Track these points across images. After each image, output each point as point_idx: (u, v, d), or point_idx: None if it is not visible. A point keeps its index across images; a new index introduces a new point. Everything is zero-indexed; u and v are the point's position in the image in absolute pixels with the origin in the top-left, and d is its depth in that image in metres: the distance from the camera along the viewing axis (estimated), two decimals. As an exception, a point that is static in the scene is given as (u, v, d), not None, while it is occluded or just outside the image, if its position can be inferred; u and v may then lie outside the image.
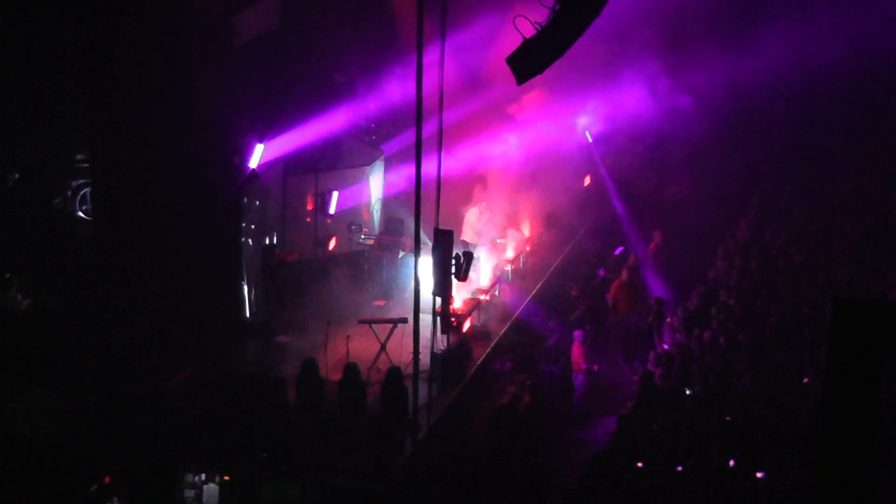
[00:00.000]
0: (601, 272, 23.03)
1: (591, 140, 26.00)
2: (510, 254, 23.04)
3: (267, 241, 20.96)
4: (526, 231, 24.29)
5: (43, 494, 14.84)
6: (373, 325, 18.81)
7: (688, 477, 14.58)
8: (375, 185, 24.04)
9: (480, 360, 19.14)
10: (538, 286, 22.58)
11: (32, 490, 14.84)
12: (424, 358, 17.36)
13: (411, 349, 16.03)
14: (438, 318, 17.89)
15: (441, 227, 16.17)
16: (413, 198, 14.65)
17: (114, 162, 18.11)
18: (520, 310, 21.35)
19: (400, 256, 22.13)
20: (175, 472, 15.37)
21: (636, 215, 25.37)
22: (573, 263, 24.06)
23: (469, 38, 22.25)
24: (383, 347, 18.47)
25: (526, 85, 13.51)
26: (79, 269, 18.41)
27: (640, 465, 15.00)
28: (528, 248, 23.92)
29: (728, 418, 15.81)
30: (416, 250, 15.45)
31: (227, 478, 15.27)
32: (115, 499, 15.11)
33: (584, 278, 22.92)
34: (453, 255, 16.86)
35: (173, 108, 17.68)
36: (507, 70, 12.97)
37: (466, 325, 19.83)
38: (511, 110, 24.39)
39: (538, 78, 13.22)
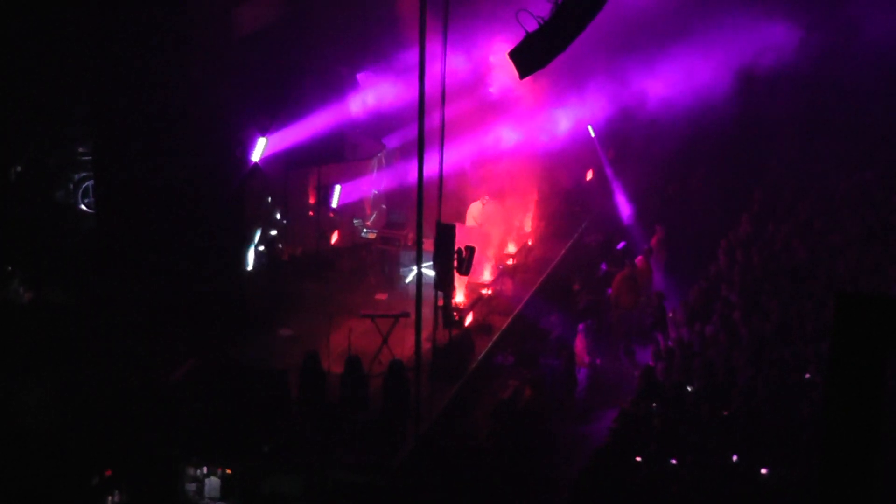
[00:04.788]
0: (603, 266, 23.04)
1: (593, 134, 25.97)
2: (511, 248, 23.06)
3: (269, 235, 20.97)
4: (528, 226, 24.30)
5: (45, 487, 14.85)
6: (375, 319, 18.81)
7: (689, 472, 14.59)
8: (378, 178, 24.04)
9: (482, 355, 19.14)
10: (540, 280, 22.58)
11: (34, 483, 14.85)
12: (426, 352, 17.38)
13: (413, 343, 16.04)
14: (440, 312, 17.92)
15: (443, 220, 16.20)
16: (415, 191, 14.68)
17: (116, 155, 18.10)
18: (522, 304, 21.35)
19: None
20: (176, 465, 15.39)
21: (638, 209, 25.37)
22: (575, 258, 24.05)
23: (472, 32, 22.24)
24: (385, 341, 18.46)
25: (527, 78, 13.52)
26: (81, 263, 18.40)
27: (638, 459, 15.01)
28: (529, 243, 23.92)
29: (726, 413, 15.82)
30: (419, 244, 15.46)
31: (228, 471, 15.29)
32: (117, 492, 15.13)
33: (586, 273, 22.93)
34: (455, 248, 16.88)
35: (175, 101, 17.67)
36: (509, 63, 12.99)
37: (468, 319, 19.83)
38: (511, 104, 24.36)
39: (539, 72, 13.24)
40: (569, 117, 24.88)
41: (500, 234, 22.74)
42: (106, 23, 17.42)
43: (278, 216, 21.55)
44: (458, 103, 21.39)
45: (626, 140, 26.86)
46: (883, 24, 25.38)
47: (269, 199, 20.50)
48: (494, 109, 23.81)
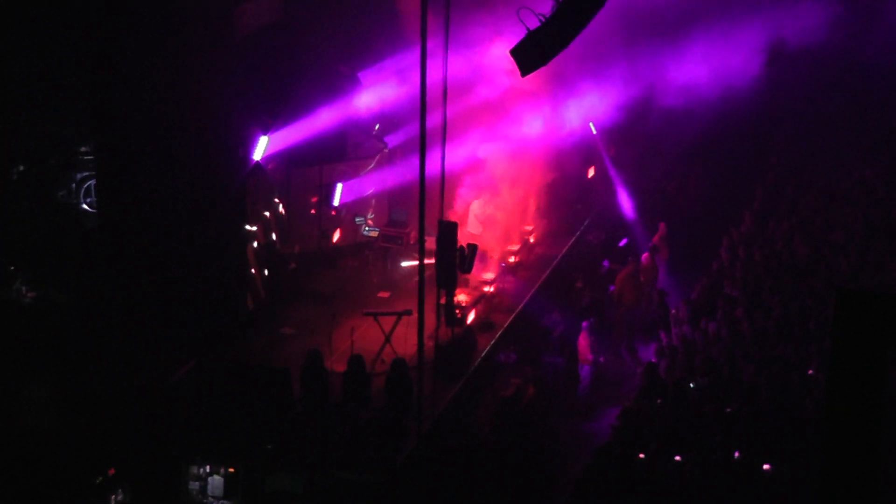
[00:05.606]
0: (606, 264, 23.02)
1: (595, 131, 25.94)
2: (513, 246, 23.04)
3: (271, 234, 20.96)
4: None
5: (48, 486, 14.87)
6: (377, 317, 18.81)
7: (691, 469, 14.59)
8: (380, 176, 24.02)
9: (485, 352, 19.13)
10: (543, 278, 22.56)
11: (37, 482, 14.86)
12: (429, 350, 17.38)
13: (416, 341, 16.03)
14: (443, 310, 17.90)
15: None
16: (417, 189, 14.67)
17: (118, 155, 18.10)
18: (524, 301, 21.34)
19: None
20: (179, 464, 15.41)
21: (640, 206, 25.35)
22: (578, 255, 24.03)
23: (473, 31, 22.20)
24: (388, 339, 18.46)
25: (529, 76, 13.51)
26: (83, 262, 18.41)
27: (641, 456, 15.02)
28: (532, 240, 23.90)
29: (729, 410, 15.82)
30: (421, 242, 15.45)
31: (231, 470, 15.30)
32: (120, 491, 15.15)
33: (588, 270, 22.91)
34: (457, 246, 16.87)
35: (177, 100, 17.67)
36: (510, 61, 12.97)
37: (471, 317, 19.82)
38: (513, 100, 24.28)
39: (540, 70, 13.22)
40: (577, 110, 24.77)
41: (502, 232, 22.72)
42: (106, 22, 17.42)
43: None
44: (460, 100, 21.37)
45: (629, 136, 26.80)
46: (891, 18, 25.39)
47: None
48: (498, 105, 23.75)
